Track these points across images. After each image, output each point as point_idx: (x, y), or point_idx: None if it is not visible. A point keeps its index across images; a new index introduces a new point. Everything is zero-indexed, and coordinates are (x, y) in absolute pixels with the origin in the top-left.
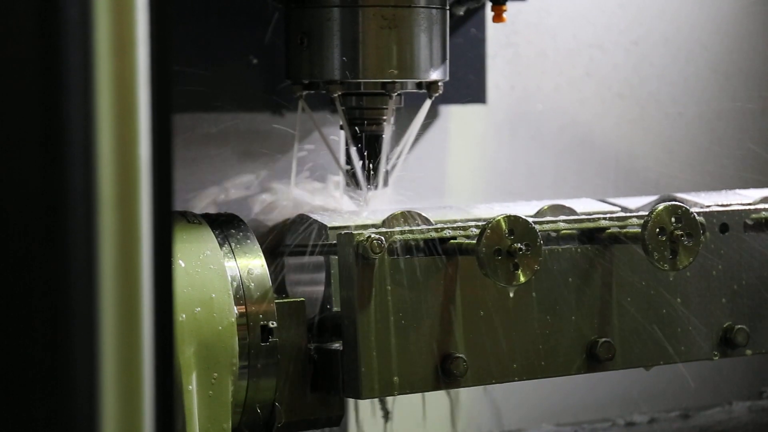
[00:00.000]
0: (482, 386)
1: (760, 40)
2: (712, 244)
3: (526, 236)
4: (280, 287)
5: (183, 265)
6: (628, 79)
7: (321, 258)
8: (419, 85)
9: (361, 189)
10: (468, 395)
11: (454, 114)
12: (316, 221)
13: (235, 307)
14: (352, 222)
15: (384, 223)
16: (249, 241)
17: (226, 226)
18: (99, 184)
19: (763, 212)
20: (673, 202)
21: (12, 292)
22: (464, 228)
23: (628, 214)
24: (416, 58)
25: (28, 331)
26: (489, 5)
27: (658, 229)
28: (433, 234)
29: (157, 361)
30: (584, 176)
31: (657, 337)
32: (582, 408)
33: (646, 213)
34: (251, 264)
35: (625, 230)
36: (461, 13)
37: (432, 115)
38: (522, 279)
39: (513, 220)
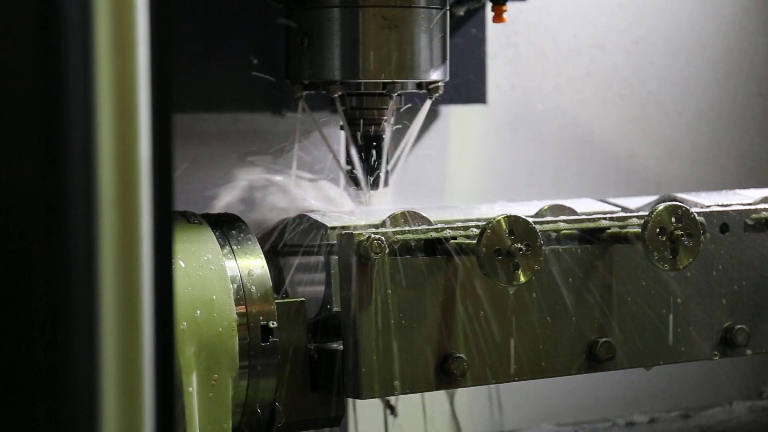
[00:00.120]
0: (482, 386)
1: (760, 40)
2: (713, 244)
3: (527, 236)
4: (280, 287)
5: (183, 265)
6: (628, 79)
7: (321, 258)
8: (419, 86)
9: (361, 189)
10: (468, 395)
11: (454, 114)
12: (316, 221)
13: (235, 308)
14: (352, 222)
15: (384, 223)
16: (249, 241)
17: (227, 226)
18: (99, 184)
19: (764, 212)
20: (674, 202)
21: (12, 292)
22: (464, 228)
23: (629, 214)
24: (416, 58)
25: (29, 331)
26: (489, 5)
27: (658, 229)
28: (434, 234)
29: (158, 361)
30: (584, 176)
31: (657, 337)
32: (582, 408)
33: (647, 213)
34: (251, 264)
35: (625, 230)
36: (461, 13)
37: (432, 116)
38: (522, 279)
39: (513, 220)
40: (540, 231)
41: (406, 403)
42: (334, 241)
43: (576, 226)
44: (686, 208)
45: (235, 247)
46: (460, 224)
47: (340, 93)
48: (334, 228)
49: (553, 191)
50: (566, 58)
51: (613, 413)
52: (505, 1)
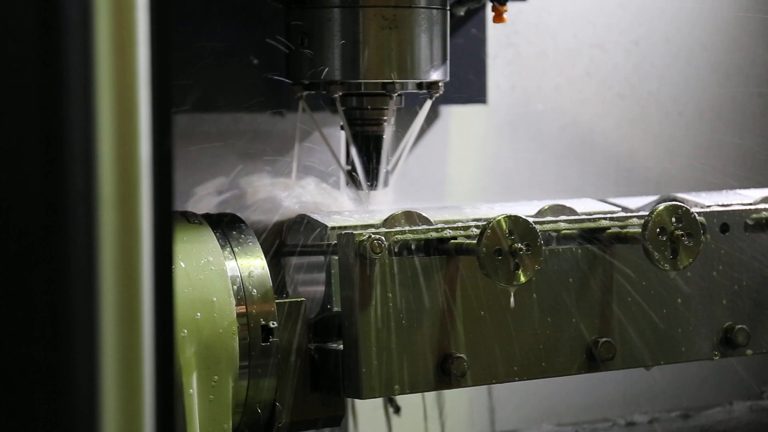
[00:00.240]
0: (483, 386)
1: (760, 41)
2: (713, 244)
3: (527, 236)
4: (280, 287)
5: (183, 265)
6: (628, 79)
7: (321, 258)
8: (420, 86)
9: (361, 189)
10: (468, 395)
11: (454, 114)
12: (316, 221)
13: (235, 308)
14: (352, 222)
15: (384, 223)
16: (249, 241)
17: (227, 226)
18: (99, 184)
19: (764, 212)
20: (674, 202)
21: (12, 292)
22: (465, 228)
23: (629, 214)
24: (417, 58)
25: (29, 330)
26: (489, 5)
27: (658, 229)
28: (434, 234)
29: (158, 361)
30: (585, 176)
31: (657, 337)
32: (582, 408)
33: (647, 213)
34: (252, 264)
35: (625, 230)
36: (462, 13)
37: (432, 116)
38: (522, 279)
39: (513, 220)
40: (540, 231)
41: (407, 403)
42: (335, 241)
43: (576, 226)
44: (686, 208)
45: (235, 247)
46: (460, 224)
47: (340, 93)
48: (334, 228)
49: (553, 191)
50: (566, 58)
51: (613, 413)
52: (506, 2)
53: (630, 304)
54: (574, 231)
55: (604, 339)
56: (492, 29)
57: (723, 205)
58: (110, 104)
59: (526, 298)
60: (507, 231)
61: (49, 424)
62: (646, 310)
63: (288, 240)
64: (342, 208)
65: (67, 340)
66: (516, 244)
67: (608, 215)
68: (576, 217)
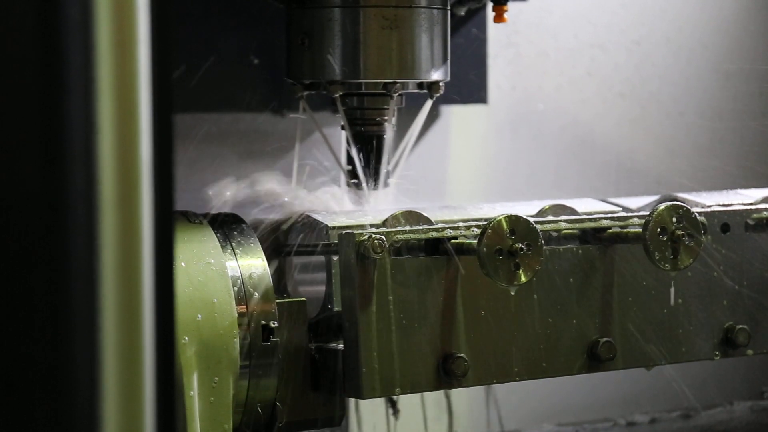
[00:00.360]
0: (483, 386)
1: (761, 40)
2: (714, 244)
3: (528, 236)
4: (281, 287)
5: (184, 265)
6: (629, 79)
7: (322, 258)
8: (420, 86)
9: (362, 189)
10: (469, 395)
11: (455, 114)
12: (317, 221)
13: (236, 308)
14: (353, 222)
15: (385, 223)
16: (250, 241)
17: (228, 226)
18: (100, 184)
19: (765, 212)
20: (675, 202)
21: (12, 292)
22: (465, 228)
23: (630, 214)
24: (417, 58)
25: (29, 330)
26: (490, 5)
27: (659, 229)
28: (434, 234)
29: (158, 360)
30: (585, 176)
31: (658, 337)
32: (583, 408)
33: (648, 213)
34: (252, 264)
35: (626, 230)
36: (462, 13)
37: (433, 116)
38: (523, 279)
39: (514, 220)
40: (541, 231)
41: (407, 402)
42: (335, 241)
43: (577, 225)
44: (687, 207)
45: (236, 247)
46: (461, 224)
47: (340, 93)
48: (335, 228)
49: (554, 191)
50: (567, 58)
51: (614, 413)
52: (506, 1)
53: (631, 304)
54: (575, 231)
55: (604, 339)
56: (493, 29)
57: (724, 205)
58: (111, 104)
59: (527, 298)
60: (508, 231)
61: (49, 424)
62: (647, 310)
63: (289, 240)
64: (343, 207)
65: (67, 340)
66: (517, 244)
67: (609, 215)
68: (577, 217)
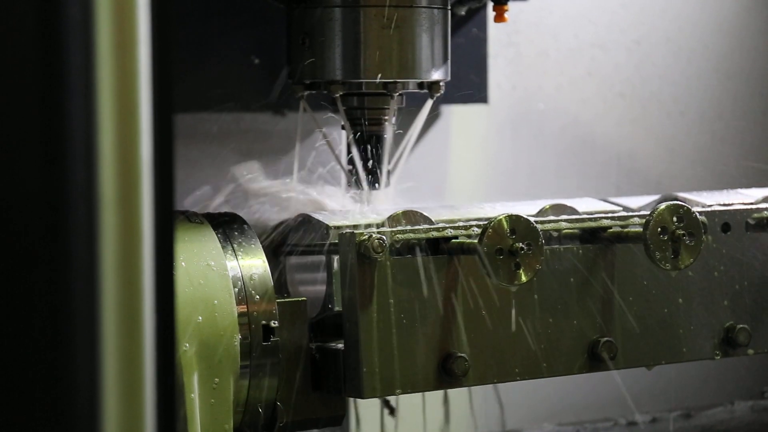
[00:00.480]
0: (484, 386)
1: (762, 40)
2: (714, 244)
3: (528, 236)
4: (281, 287)
5: (184, 265)
6: (629, 78)
7: (323, 257)
8: (421, 85)
9: (362, 189)
10: (469, 395)
11: (455, 114)
12: (317, 221)
13: (236, 307)
14: (353, 221)
15: (385, 223)
16: (251, 240)
17: (228, 225)
18: (100, 184)
19: (765, 212)
20: (675, 202)
21: (13, 291)
22: (466, 227)
23: (630, 214)
24: (418, 58)
25: (29, 330)
26: (490, 5)
27: (659, 229)
28: (435, 233)
29: (159, 360)
30: (586, 176)
31: (659, 336)
32: (584, 407)
33: (648, 212)
34: (253, 264)
35: (626, 230)
36: (463, 13)
37: (433, 115)
38: (523, 278)
39: (515, 220)
40: (541, 230)
41: (407, 402)
42: (336, 241)
43: (577, 225)
44: (688, 207)
45: (236, 247)
46: (461, 224)
47: (341, 93)
48: (335, 227)
49: (554, 191)
50: (568, 58)
51: (614, 413)
52: (507, 1)
53: (631, 304)
54: (576, 230)
55: (605, 338)
56: (493, 29)
57: (724, 205)
58: (111, 103)
59: (527, 298)
60: (508, 230)
61: (49, 424)
62: (648, 310)
63: (289, 239)
64: (343, 207)
65: (67, 340)
66: (517, 244)
67: (609, 215)
68: (577, 217)
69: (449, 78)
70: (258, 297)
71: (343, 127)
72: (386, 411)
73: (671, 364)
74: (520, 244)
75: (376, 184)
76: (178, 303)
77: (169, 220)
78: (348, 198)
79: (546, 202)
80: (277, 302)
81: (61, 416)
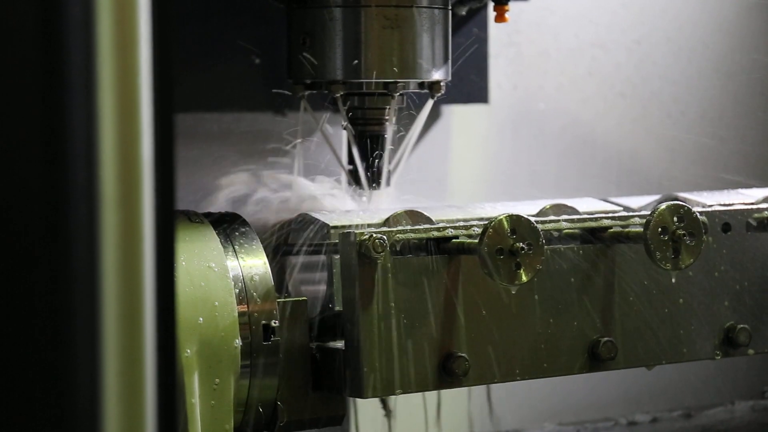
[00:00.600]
0: (484, 386)
1: (762, 40)
2: (715, 244)
3: (528, 235)
4: (282, 286)
5: (185, 264)
6: (630, 78)
7: (323, 257)
8: (421, 85)
9: (363, 188)
10: (469, 395)
11: (456, 114)
12: (318, 220)
13: (237, 307)
14: (354, 221)
15: (386, 223)
16: (251, 240)
17: (229, 225)
18: (101, 183)
19: (766, 212)
20: (676, 202)
21: (13, 291)
22: (466, 227)
23: (631, 214)
24: (418, 58)
25: (30, 330)
26: (491, 5)
27: (660, 229)
28: (435, 233)
29: (159, 360)
30: (586, 175)
31: (659, 336)
32: (584, 407)
33: (649, 212)
34: (253, 263)
35: (627, 230)
36: (463, 12)
37: (434, 115)
38: (524, 278)
39: (515, 220)
40: (542, 230)
41: (407, 402)
42: (336, 241)
43: (578, 225)
44: (688, 207)
45: (237, 247)
46: (461, 223)
47: (342, 93)
48: (335, 227)
49: (554, 190)
50: (568, 58)
51: (615, 413)
52: (507, 1)
53: (632, 304)
54: (576, 230)
55: (605, 338)
56: (494, 29)
57: (725, 205)
58: (112, 103)
59: (528, 298)
60: (509, 230)
61: (50, 424)
62: (648, 310)
63: (290, 239)
64: (344, 207)
65: (68, 340)
66: (518, 244)
67: (610, 215)
68: (578, 217)
69: (450, 78)
70: (258, 297)
71: (343, 127)
72: (383, 412)
73: (672, 364)
74: (521, 244)
75: (377, 184)
76: (179, 303)
77: (169, 220)
78: (348, 198)
79: (546, 202)
80: (278, 302)
81: (61, 416)
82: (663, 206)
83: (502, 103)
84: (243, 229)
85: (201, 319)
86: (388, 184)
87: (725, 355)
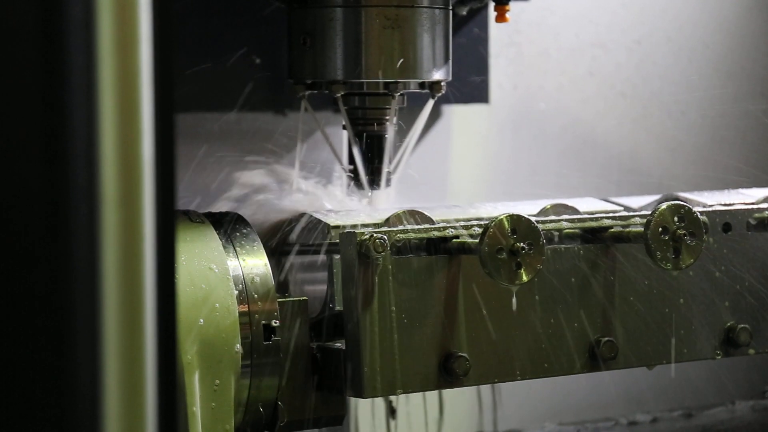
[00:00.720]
0: (485, 385)
1: (763, 39)
2: (715, 244)
3: (529, 235)
4: (282, 286)
5: (186, 264)
6: (630, 78)
7: (323, 257)
8: (422, 85)
9: (363, 188)
10: (470, 394)
11: (456, 113)
12: (318, 220)
13: (237, 307)
14: (354, 221)
15: (387, 223)
16: (252, 240)
17: (229, 225)
18: (102, 183)
19: (766, 212)
20: (676, 202)
21: (14, 291)
22: (467, 227)
23: (631, 214)
24: (419, 58)
25: (30, 330)
26: (492, 5)
27: (660, 229)
28: (436, 233)
29: (160, 360)
30: (587, 175)
31: (660, 336)
32: (585, 407)
33: (649, 212)
34: (254, 263)
35: (627, 229)
36: (464, 12)
37: (435, 115)
38: (524, 278)
39: (516, 220)
40: (542, 230)
41: (408, 402)
42: (337, 240)
43: (578, 225)
44: (689, 207)
45: (237, 247)
46: (462, 223)
47: (342, 93)
48: (336, 227)
49: (555, 190)
50: (569, 58)
51: (615, 412)
52: (508, 1)
53: (632, 304)
54: (577, 230)
55: (606, 338)
56: (494, 29)
57: (725, 205)
58: (113, 103)
59: (528, 298)
60: (509, 230)
61: (51, 424)
62: (649, 310)
63: (290, 239)
64: (344, 207)
65: (68, 340)
66: (518, 244)
67: (610, 214)
68: (578, 217)
69: (450, 78)
70: (259, 297)
71: (344, 127)
72: (388, 411)
73: (672, 363)
74: (521, 244)
75: (377, 184)
76: (180, 302)
77: (170, 220)
78: (349, 198)
79: (547, 202)
80: (279, 302)
81: (62, 417)
82: (664, 206)
83: (502, 103)
84: (244, 230)
85: (202, 320)
86: (388, 184)
87: (726, 355)
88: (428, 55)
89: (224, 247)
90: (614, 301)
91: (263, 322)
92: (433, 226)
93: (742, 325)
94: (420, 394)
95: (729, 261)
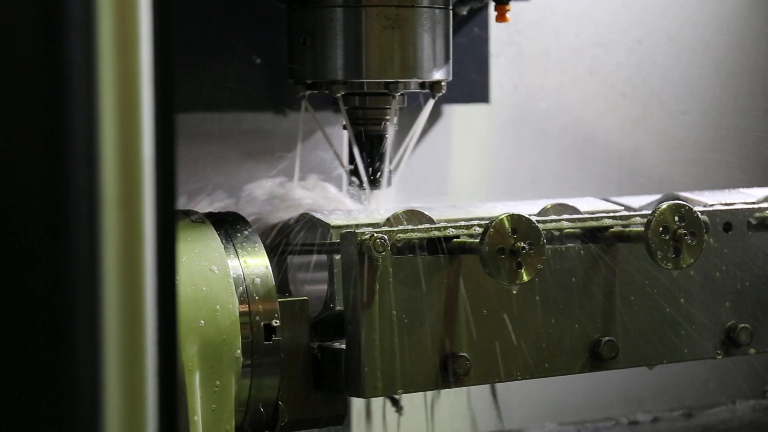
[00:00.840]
0: (485, 385)
1: (763, 39)
2: (716, 244)
3: (530, 235)
4: (283, 286)
5: (186, 264)
6: (631, 78)
7: (324, 257)
8: (422, 85)
9: (364, 188)
10: (470, 394)
11: (457, 113)
12: (319, 220)
13: (238, 307)
14: (355, 221)
15: (387, 222)
16: (252, 240)
17: (230, 225)
18: (102, 183)
19: (767, 211)
20: (677, 201)
21: (14, 291)
22: (467, 227)
23: (632, 213)
24: (419, 57)
25: (30, 330)
26: (492, 5)
27: (661, 228)
28: (436, 233)
29: (160, 359)
30: (587, 175)
31: (660, 336)
32: (585, 407)
33: (650, 212)
34: (254, 263)
35: (628, 229)
36: (464, 12)
37: (435, 115)
38: (525, 278)
39: (516, 219)
40: (543, 230)
41: (409, 402)
42: (337, 240)
43: (579, 225)
44: (689, 207)
45: (238, 246)
46: (462, 223)
47: (342, 92)
48: (336, 227)
49: (555, 190)
50: (569, 57)
51: (616, 412)
52: (508, 1)
53: (633, 303)
54: (577, 230)
55: (606, 338)
56: (494, 28)
57: (726, 204)
58: (113, 103)
59: (529, 297)
60: (510, 230)
61: (51, 424)
62: (649, 309)
63: (290, 239)
64: (344, 207)
65: (68, 340)
66: (519, 243)
67: (611, 214)
68: (579, 216)
69: (451, 78)
70: (260, 297)
71: (344, 127)
72: (393, 409)
73: (673, 363)
74: (522, 244)
75: (378, 184)
76: (180, 302)
77: (170, 220)
78: (349, 197)
79: (547, 202)
80: (279, 302)
81: (62, 417)
82: (664, 206)
83: (502, 102)
84: (244, 230)
85: (202, 322)
86: (388, 183)
87: (726, 355)
88: (428, 55)
89: (225, 247)
90: (615, 301)
91: (264, 322)
92: (433, 226)
93: (743, 325)
94: (421, 393)
95: (729, 260)
